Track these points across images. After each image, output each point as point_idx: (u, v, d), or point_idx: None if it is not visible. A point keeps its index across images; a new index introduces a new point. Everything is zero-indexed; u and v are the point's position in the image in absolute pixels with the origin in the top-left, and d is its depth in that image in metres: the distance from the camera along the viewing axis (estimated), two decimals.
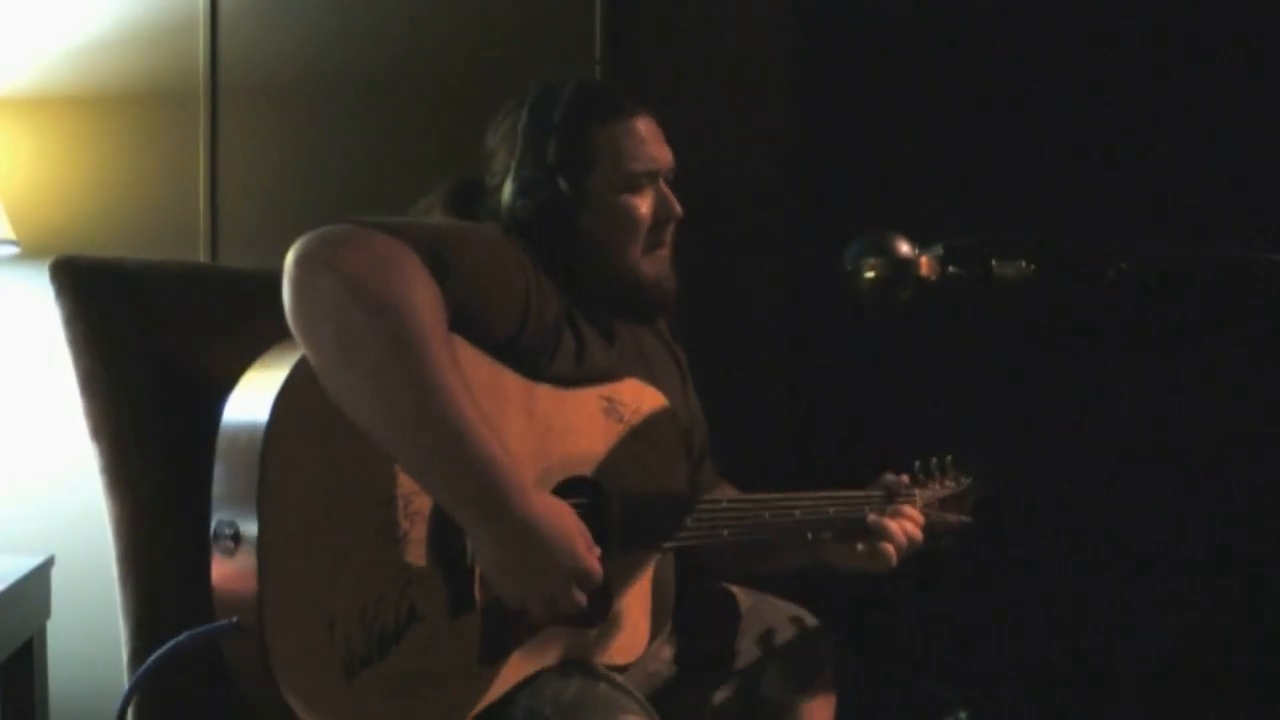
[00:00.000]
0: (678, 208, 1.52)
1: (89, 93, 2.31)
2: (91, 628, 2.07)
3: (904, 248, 1.39)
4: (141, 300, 1.51)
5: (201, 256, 2.29)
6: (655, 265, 1.52)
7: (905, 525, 1.58)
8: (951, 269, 1.38)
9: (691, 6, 2.38)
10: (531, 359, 1.38)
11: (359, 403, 1.19)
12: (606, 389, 1.44)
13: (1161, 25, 2.26)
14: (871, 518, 1.57)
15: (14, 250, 2.18)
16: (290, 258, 1.21)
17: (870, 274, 1.40)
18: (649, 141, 1.50)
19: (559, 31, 2.34)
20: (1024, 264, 1.34)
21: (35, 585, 2.00)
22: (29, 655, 2.01)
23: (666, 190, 1.52)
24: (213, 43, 2.31)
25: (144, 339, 1.49)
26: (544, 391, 1.38)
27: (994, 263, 1.36)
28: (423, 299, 1.21)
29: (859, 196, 2.26)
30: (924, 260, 1.38)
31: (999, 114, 2.29)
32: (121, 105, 2.31)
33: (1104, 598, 2.27)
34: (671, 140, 1.54)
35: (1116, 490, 2.26)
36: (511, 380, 1.35)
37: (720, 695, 1.59)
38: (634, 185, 1.49)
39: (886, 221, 1.41)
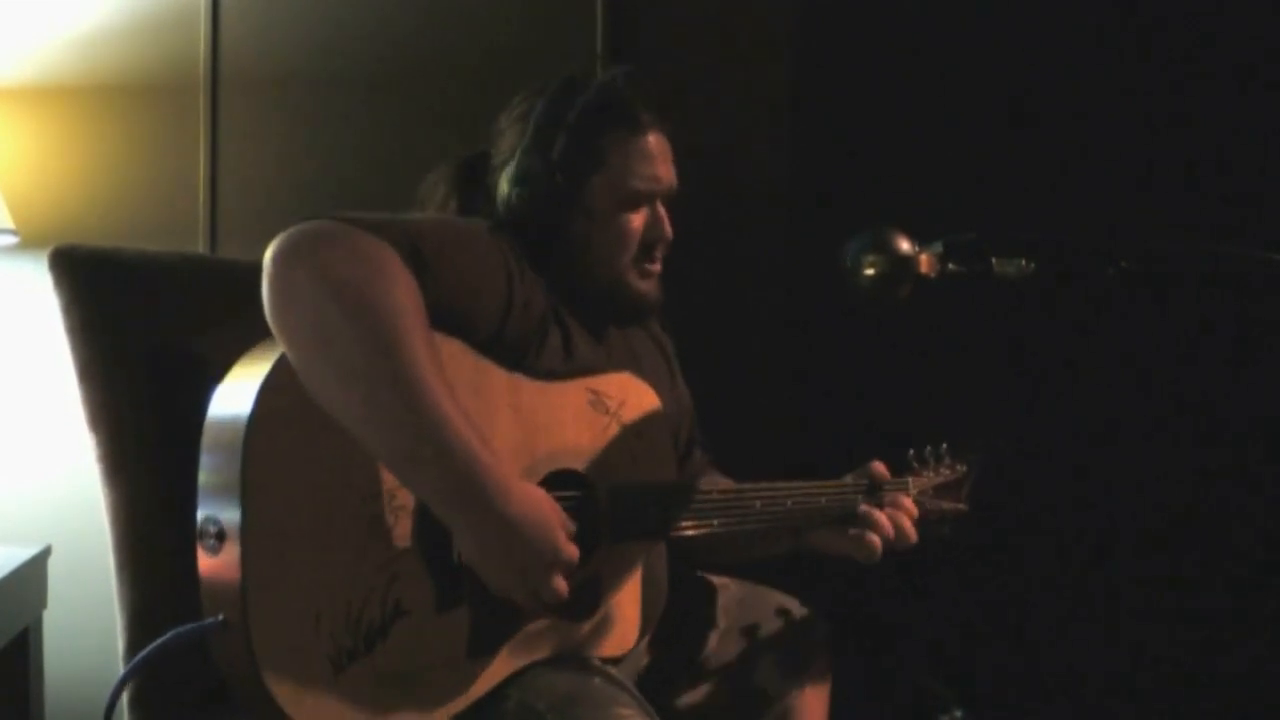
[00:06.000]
0: (669, 231, 1.53)
1: (90, 83, 2.30)
2: (88, 618, 2.07)
3: (904, 245, 1.39)
4: (140, 290, 1.51)
5: (201, 248, 2.29)
6: (642, 280, 1.53)
7: (896, 516, 1.57)
8: (951, 266, 1.38)
9: (692, 2, 2.38)
10: (517, 354, 1.38)
11: (338, 400, 1.19)
12: (592, 382, 1.44)
13: (1161, 22, 2.26)
14: (862, 508, 1.56)
15: (13, 240, 2.18)
16: (269, 254, 1.21)
17: (870, 271, 1.40)
18: (656, 160, 1.51)
19: (560, 25, 2.34)
20: (1024, 262, 1.34)
21: (32, 575, 2.00)
22: (25, 645, 2.00)
23: (662, 212, 1.53)
24: (214, 34, 2.31)
25: (142, 329, 1.49)
26: (529, 385, 1.38)
27: (994, 260, 1.36)
28: (402, 296, 1.21)
29: (858, 193, 2.26)
30: (924, 257, 1.38)
31: (999, 111, 2.29)
32: (122, 96, 2.31)
33: (1102, 596, 2.27)
34: (680, 160, 1.55)
35: (1115, 489, 2.26)
36: (496, 375, 1.35)
37: (711, 687, 1.59)
38: (631, 202, 1.50)
39: (886, 218, 1.41)
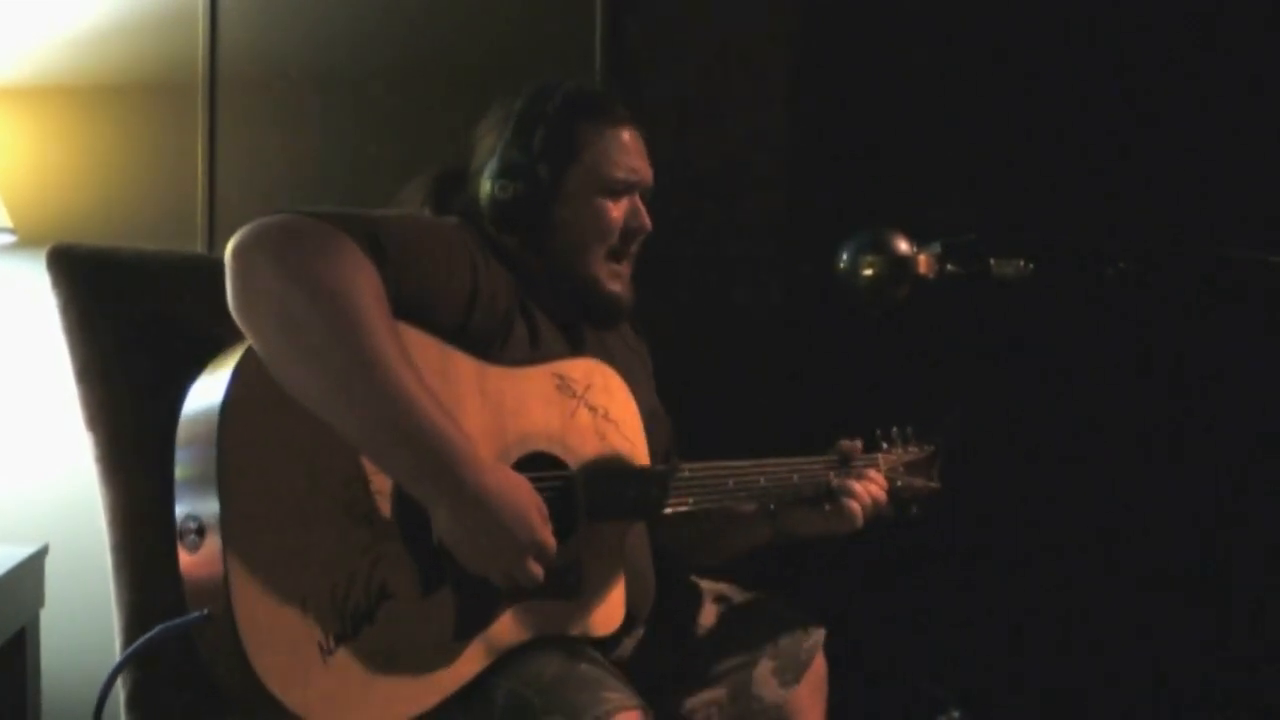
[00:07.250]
0: (648, 222, 1.55)
1: (88, 82, 2.30)
2: (85, 617, 2.07)
3: (902, 245, 1.39)
4: (137, 290, 1.51)
5: (199, 247, 2.28)
6: (614, 276, 1.54)
7: (869, 486, 1.59)
8: (950, 267, 1.38)
9: (691, 4, 2.38)
10: (482, 345, 1.38)
11: (307, 387, 1.20)
12: (557, 367, 1.45)
13: (1161, 21, 2.26)
14: (836, 481, 1.58)
15: (11, 239, 2.18)
16: (230, 248, 1.22)
17: (868, 272, 1.40)
18: (632, 153, 1.54)
19: (559, 25, 2.34)
20: (1022, 263, 1.34)
21: (29, 574, 2.00)
22: (22, 644, 2.00)
23: (640, 204, 1.55)
24: (212, 34, 2.30)
25: (139, 328, 1.49)
26: (495, 371, 1.38)
27: (992, 261, 1.36)
28: (362, 282, 1.22)
29: (858, 193, 2.26)
30: (922, 258, 1.38)
31: (999, 111, 2.29)
32: (120, 95, 2.31)
33: (1099, 596, 2.27)
34: (654, 159, 1.57)
35: (1112, 489, 2.26)
36: (462, 362, 1.35)
37: (708, 690, 1.58)
38: (611, 190, 1.52)
39: (886, 218, 1.41)
